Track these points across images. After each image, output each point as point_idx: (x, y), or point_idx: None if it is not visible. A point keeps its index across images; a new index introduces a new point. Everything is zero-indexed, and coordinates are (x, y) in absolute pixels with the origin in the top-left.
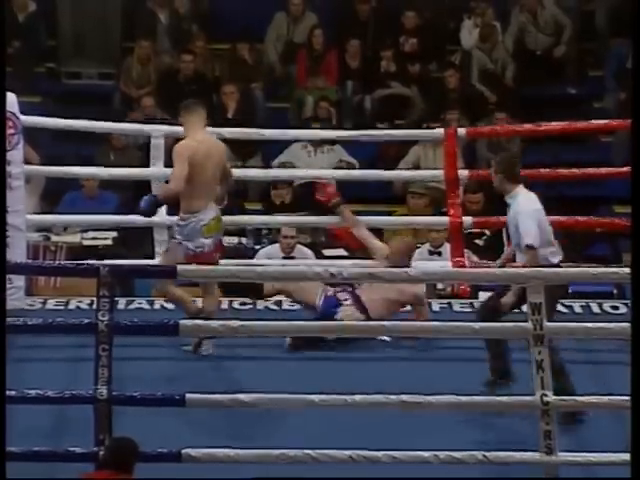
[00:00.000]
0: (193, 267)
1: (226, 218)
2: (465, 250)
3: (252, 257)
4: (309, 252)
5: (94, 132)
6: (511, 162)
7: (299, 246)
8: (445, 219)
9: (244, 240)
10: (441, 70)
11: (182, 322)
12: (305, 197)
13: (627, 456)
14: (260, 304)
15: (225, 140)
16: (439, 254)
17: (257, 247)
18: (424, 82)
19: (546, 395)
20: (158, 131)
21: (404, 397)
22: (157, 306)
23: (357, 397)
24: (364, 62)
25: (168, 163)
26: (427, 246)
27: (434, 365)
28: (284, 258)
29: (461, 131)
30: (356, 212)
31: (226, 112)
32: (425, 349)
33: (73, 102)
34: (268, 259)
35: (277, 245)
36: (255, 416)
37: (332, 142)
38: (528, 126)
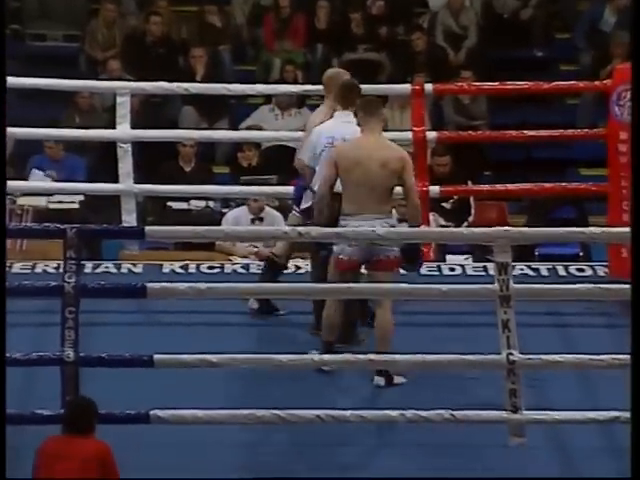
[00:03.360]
0: (160, 228)
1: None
2: (432, 213)
3: (220, 220)
4: (278, 215)
5: (59, 94)
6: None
7: (268, 208)
8: None
9: (211, 204)
10: (408, 33)
11: (149, 285)
12: (272, 160)
13: (591, 414)
14: (228, 267)
15: (193, 100)
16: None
17: (225, 210)
18: (392, 45)
19: (512, 354)
20: (124, 89)
21: (372, 356)
22: (124, 270)
23: (325, 357)
24: (331, 25)
25: (135, 123)
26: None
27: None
28: (253, 220)
29: (428, 88)
30: None
31: (194, 75)
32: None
33: (38, 64)
34: (236, 221)
35: (245, 207)
36: (225, 377)
37: (299, 105)
38: (495, 85)
